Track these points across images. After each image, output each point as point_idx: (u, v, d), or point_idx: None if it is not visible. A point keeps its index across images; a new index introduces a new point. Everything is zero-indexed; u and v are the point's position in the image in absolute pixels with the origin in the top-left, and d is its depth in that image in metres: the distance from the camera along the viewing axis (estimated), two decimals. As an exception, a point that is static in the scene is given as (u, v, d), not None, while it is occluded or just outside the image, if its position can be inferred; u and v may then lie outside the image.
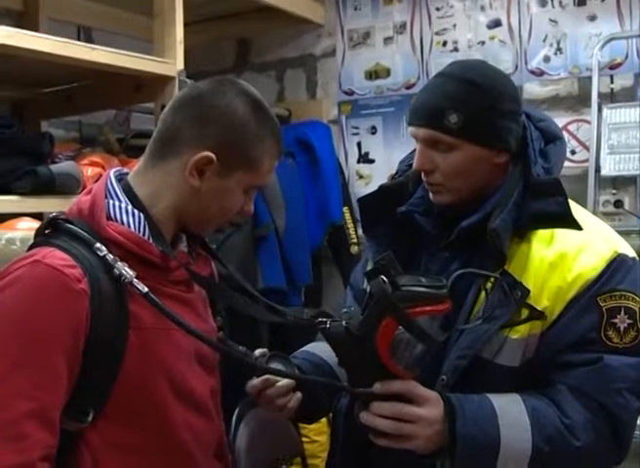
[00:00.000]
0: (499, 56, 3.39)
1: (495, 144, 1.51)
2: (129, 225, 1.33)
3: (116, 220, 1.33)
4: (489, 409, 1.39)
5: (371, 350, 1.26)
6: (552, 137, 1.61)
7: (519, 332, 1.44)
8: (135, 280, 1.26)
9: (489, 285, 1.46)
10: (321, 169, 3.47)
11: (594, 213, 3.07)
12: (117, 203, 1.35)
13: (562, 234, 1.49)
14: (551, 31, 3.27)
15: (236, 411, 2.09)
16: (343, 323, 1.29)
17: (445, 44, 3.52)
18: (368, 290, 1.30)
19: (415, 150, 1.60)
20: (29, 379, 1.19)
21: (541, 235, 1.49)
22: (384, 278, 1.25)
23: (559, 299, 1.44)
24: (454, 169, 1.52)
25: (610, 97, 3.13)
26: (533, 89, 3.33)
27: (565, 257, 1.46)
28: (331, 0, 3.79)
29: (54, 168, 2.35)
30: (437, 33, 3.54)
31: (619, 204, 3.11)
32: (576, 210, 1.53)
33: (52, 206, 2.18)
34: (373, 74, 3.70)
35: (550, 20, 3.27)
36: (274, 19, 3.71)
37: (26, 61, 2.23)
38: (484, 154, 1.51)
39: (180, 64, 2.56)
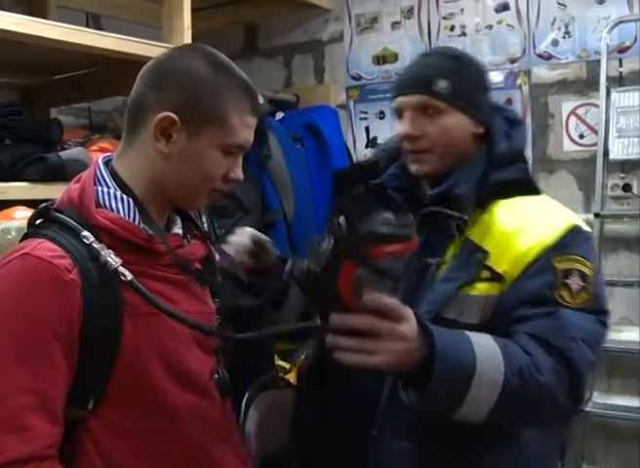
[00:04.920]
0: (506, 39, 3.39)
1: (476, 114, 1.63)
2: (118, 211, 1.32)
3: (105, 207, 1.32)
4: (465, 336, 1.39)
5: (335, 292, 1.22)
6: (515, 123, 1.71)
7: (477, 290, 1.51)
8: (120, 267, 1.25)
9: (452, 251, 1.56)
10: (329, 154, 3.47)
11: (602, 196, 3.07)
12: (106, 189, 1.34)
13: (522, 205, 1.59)
14: (559, 15, 3.26)
15: (246, 395, 2.10)
16: (306, 263, 1.26)
17: (453, 28, 3.52)
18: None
19: (390, 139, 1.71)
20: (28, 372, 1.20)
21: (503, 206, 1.58)
22: (343, 219, 1.23)
23: (518, 264, 1.50)
24: (441, 133, 1.60)
25: (618, 81, 3.13)
26: (541, 73, 3.33)
27: (525, 227, 1.54)
28: (338, -15, 3.79)
29: (63, 154, 2.36)
30: (445, 17, 3.54)
31: (627, 187, 3.11)
32: (539, 194, 1.67)
33: (61, 192, 2.19)
34: (380, 59, 3.70)
35: (558, 4, 3.26)
36: (282, 4, 3.71)
37: (36, 49, 2.24)
38: (466, 122, 1.62)
39: (187, 51, 2.56)
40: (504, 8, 3.40)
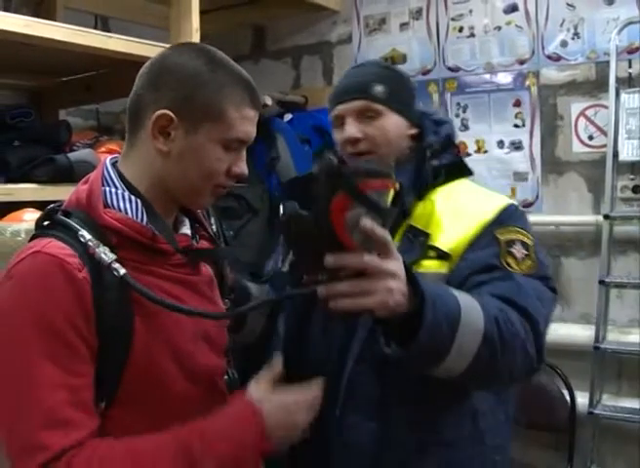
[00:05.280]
0: (515, 41, 3.38)
1: (409, 116, 1.75)
2: (126, 211, 1.32)
3: (113, 207, 1.33)
4: (445, 286, 1.46)
5: (327, 229, 1.22)
6: (441, 123, 1.82)
7: (425, 267, 1.57)
8: (114, 263, 1.24)
9: (397, 239, 1.61)
10: (338, 155, 3.47)
11: (612, 198, 3.06)
12: (114, 190, 1.34)
13: (458, 190, 1.73)
14: (568, 16, 3.25)
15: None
16: (296, 206, 1.27)
17: (461, 29, 3.51)
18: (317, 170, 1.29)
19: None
20: (57, 367, 1.20)
21: (440, 193, 1.70)
22: (333, 156, 1.26)
23: (462, 241, 1.60)
24: (381, 134, 1.70)
25: (628, 82, 3.11)
26: (550, 74, 3.32)
27: (464, 208, 1.66)
28: (346, -14, 3.79)
29: (72, 156, 2.36)
30: (453, 19, 3.53)
31: (637, 189, 3.10)
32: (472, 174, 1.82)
33: (70, 194, 2.20)
34: (389, 60, 3.68)
35: (567, 5, 3.25)
36: (290, 5, 3.71)
37: (44, 50, 2.25)
38: (403, 124, 1.74)
39: (196, 52, 2.56)
40: (513, 9, 3.39)
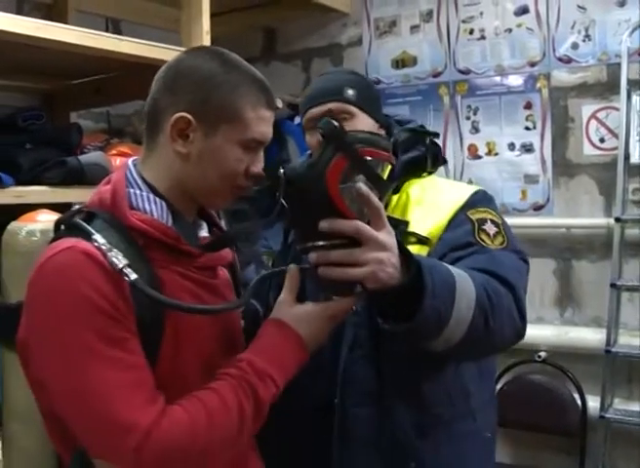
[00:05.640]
0: (526, 43, 3.38)
1: (378, 118, 1.83)
2: (152, 213, 1.34)
3: (139, 209, 1.33)
4: (431, 258, 1.55)
5: (322, 191, 1.25)
6: (406, 121, 1.94)
7: None
8: (127, 268, 1.24)
9: None
10: (348, 158, 3.47)
11: (623, 201, 3.05)
12: (138, 192, 1.35)
13: (431, 182, 1.83)
14: (579, 18, 3.25)
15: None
16: (296, 169, 1.29)
17: (472, 32, 3.51)
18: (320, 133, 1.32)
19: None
20: (115, 348, 1.20)
21: (414, 185, 1.80)
22: (335, 121, 1.28)
23: (439, 225, 1.70)
24: None
25: (639, 84, 3.10)
26: (561, 76, 3.31)
27: (438, 198, 1.76)
28: (357, -11, 3.79)
29: (83, 158, 2.37)
30: (464, 21, 3.53)
31: (648, 192, 3.10)
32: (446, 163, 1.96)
33: (81, 196, 2.19)
34: (399, 63, 3.69)
35: (578, 7, 3.24)
36: (300, 8, 3.72)
37: (55, 53, 2.25)
38: (373, 125, 1.81)
39: (206, 55, 2.57)
40: (524, 11, 3.39)
